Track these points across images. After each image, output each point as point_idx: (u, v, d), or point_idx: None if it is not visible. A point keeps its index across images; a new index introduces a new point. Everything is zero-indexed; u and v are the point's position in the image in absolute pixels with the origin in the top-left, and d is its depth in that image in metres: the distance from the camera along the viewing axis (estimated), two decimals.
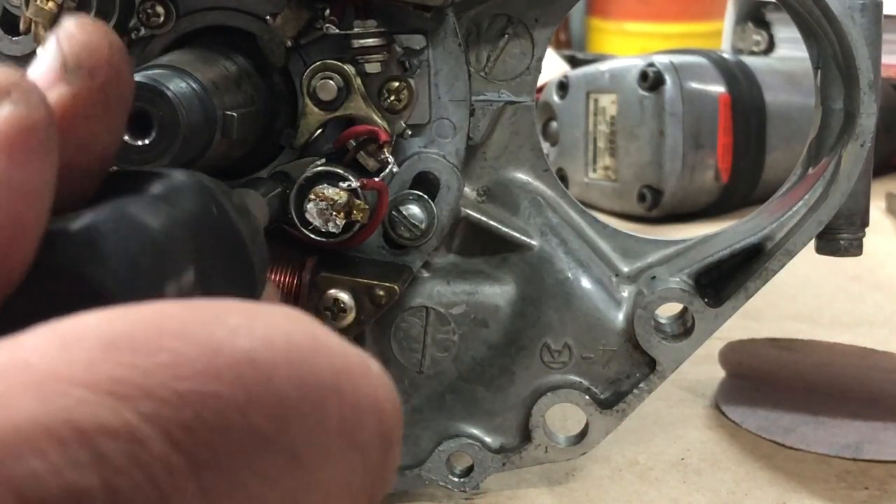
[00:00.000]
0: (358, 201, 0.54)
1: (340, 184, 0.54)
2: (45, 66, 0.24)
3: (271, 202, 0.53)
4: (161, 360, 0.18)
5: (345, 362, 0.21)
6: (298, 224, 0.54)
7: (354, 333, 0.58)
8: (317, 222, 0.54)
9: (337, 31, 0.54)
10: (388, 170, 0.55)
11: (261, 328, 0.20)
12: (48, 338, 0.19)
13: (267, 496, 0.19)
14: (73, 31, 0.24)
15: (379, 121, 0.55)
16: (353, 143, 0.55)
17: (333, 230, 0.54)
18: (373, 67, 0.55)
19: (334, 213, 0.53)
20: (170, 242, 0.25)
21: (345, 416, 0.20)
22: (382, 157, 0.55)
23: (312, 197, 0.54)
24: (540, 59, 0.61)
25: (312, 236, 0.54)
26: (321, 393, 0.20)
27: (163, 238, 0.25)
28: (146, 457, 0.18)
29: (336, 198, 0.53)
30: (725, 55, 1.36)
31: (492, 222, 0.62)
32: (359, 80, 0.55)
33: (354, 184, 0.54)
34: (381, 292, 0.56)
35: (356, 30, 0.54)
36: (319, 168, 0.54)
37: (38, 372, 0.18)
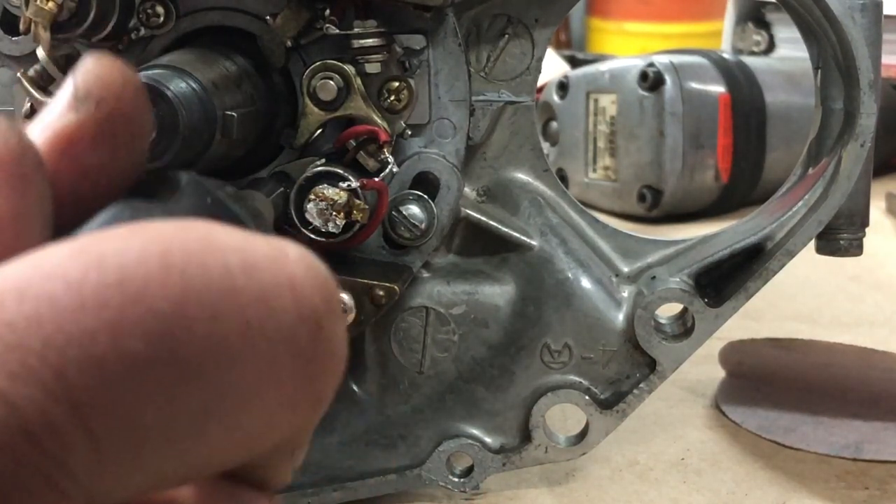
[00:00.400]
0: (358, 201, 0.54)
1: (340, 184, 0.54)
2: (59, 97, 0.25)
3: (275, 203, 0.53)
4: (27, 307, 0.18)
5: (242, 258, 0.19)
6: (298, 224, 0.54)
7: (355, 334, 0.58)
8: (317, 222, 0.54)
9: (337, 31, 0.54)
10: (388, 170, 0.55)
11: (135, 247, 0.19)
12: None
13: (174, 419, 0.18)
14: (88, 64, 0.24)
15: (379, 121, 0.55)
16: (353, 143, 0.55)
17: (333, 230, 0.54)
18: (373, 67, 0.55)
19: (334, 214, 0.53)
20: None
21: (250, 312, 0.19)
22: (382, 157, 0.55)
23: (312, 197, 0.54)
24: (540, 60, 0.61)
25: (312, 236, 0.54)
26: (209, 294, 0.19)
27: None
28: (22, 419, 0.17)
29: (336, 198, 0.53)
30: (725, 55, 1.36)
31: (492, 222, 0.62)
32: (359, 80, 0.55)
33: (354, 184, 0.54)
34: (381, 292, 0.56)
35: (356, 30, 0.54)
36: (319, 168, 0.54)
37: None
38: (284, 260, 0.20)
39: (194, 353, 0.18)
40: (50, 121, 0.25)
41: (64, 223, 0.23)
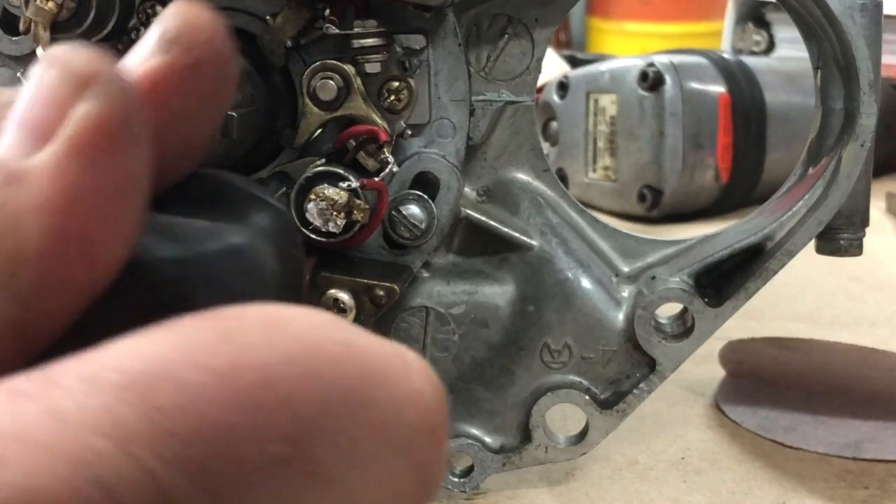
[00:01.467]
0: (358, 201, 0.54)
1: (340, 184, 0.54)
2: (145, 40, 0.23)
3: (279, 202, 0.53)
4: (180, 396, 0.18)
5: (375, 364, 0.20)
6: (299, 224, 0.54)
7: None
8: (317, 222, 0.54)
9: (337, 31, 0.54)
10: (388, 169, 0.55)
11: (282, 342, 0.19)
12: (77, 377, 0.18)
13: None
14: (178, 8, 0.23)
15: (379, 121, 0.55)
16: (352, 142, 0.55)
17: (334, 230, 0.54)
18: (373, 67, 0.55)
19: (334, 213, 0.53)
20: (274, 285, 0.25)
21: (378, 420, 0.19)
22: (382, 156, 0.55)
23: (313, 197, 0.54)
24: (540, 59, 0.61)
25: (312, 236, 0.54)
26: (347, 403, 0.19)
27: (273, 281, 0.25)
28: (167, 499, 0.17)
29: (336, 198, 0.53)
30: (725, 55, 1.36)
31: (492, 222, 0.62)
32: (359, 80, 0.55)
33: (354, 184, 0.54)
34: (381, 292, 0.56)
35: (356, 30, 0.54)
36: (320, 168, 0.54)
37: (62, 422, 0.17)
38: (406, 367, 0.21)
39: (327, 456, 0.19)
40: (135, 62, 0.23)
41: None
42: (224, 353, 0.18)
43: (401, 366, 0.20)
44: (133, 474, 0.17)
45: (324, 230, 0.54)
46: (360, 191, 0.54)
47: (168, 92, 0.23)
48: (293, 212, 0.54)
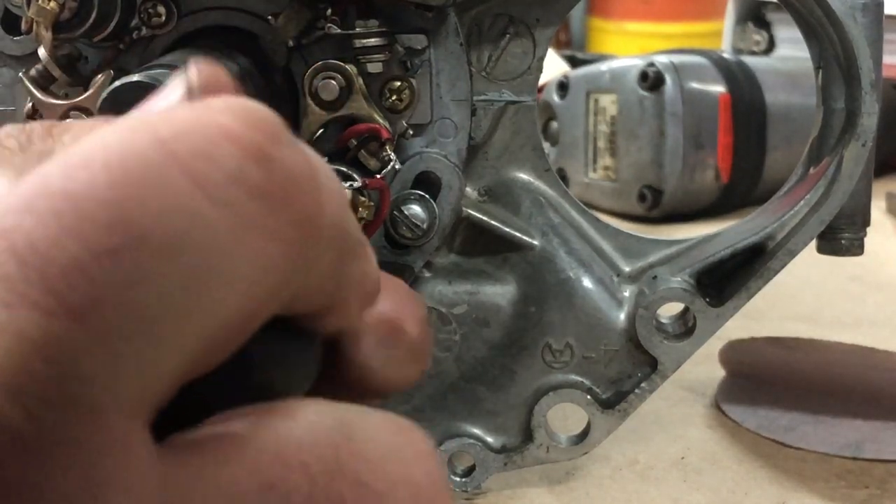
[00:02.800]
0: (363, 198, 0.54)
1: (344, 183, 0.54)
2: (167, 94, 0.25)
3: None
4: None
5: (170, 127, 0.20)
6: None
7: None
8: None
9: (339, 30, 0.54)
10: (390, 167, 0.55)
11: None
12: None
13: (164, 295, 0.19)
14: (200, 66, 0.25)
15: (381, 120, 0.55)
16: (354, 141, 0.55)
17: None
18: (374, 67, 0.55)
19: None
20: None
21: (192, 174, 0.20)
22: (384, 154, 0.55)
23: None
24: (541, 59, 0.61)
25: None
26: (152, 175, 0.20)
27: None
28: (33, 344, 0.18)
29: None
30: (726, 55, 1.36)
31: (493, 222, 0.62)
32: (360, 80, 0.55)
33: (357, 183, 0.54)
34: None
35: (358, 30, 0.54)
36: None
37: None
38: (210, 113, 0.21)
39: (157, 229, 0.19)
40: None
41: None
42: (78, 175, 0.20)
43: (198, 115, 0.21)
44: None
45: None
46: (363, 190, 0.54)
47: None
48: None
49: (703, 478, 0.67)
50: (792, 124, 1.29)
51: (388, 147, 0.55)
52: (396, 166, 0.55)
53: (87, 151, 0.20)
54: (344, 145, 0.56)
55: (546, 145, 1.35)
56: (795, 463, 0.69)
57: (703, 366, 0.78)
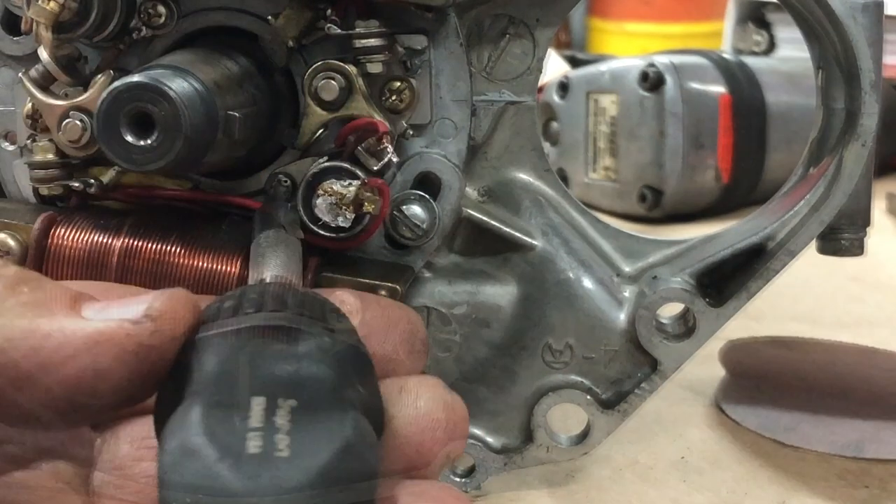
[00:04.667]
0: (368, 193, 0.53)
1: (349, 179, 0.54)
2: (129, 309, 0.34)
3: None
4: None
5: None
6: (307, 221, 0.54)
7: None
8: (326, 217, 0.53)
9: (339, 31, 0.54)
10: (386, 159, 0.54)
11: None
12: None
13: None
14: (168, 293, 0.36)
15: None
16: (352, 138, 0.55)
17: (343, 224, 0.54)
18: (375, 67, 0.55)
19: (343, 207, 0.53)
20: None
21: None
22: (382, 146, 0.55)
23: (321, 192, 0.53)
24: (541, 59, 0.61)
25: (322, 232, 0.54)
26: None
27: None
28: None
29: (344, 192, 0.53)
30: (726, 55, 1.36)
31: (493, 222, 0.62)
32: (361, 80, 0.55)
33: (357, 182, 0.54)
34: (383, 292, 0.56)
35: (358, 30, 0.54)
36: (326, 164, 0.54)
37: None
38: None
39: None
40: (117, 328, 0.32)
41: None
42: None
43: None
44: None
45: (333, 225, 0.54)
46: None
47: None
48: (301, 209, 0.54)
49: (703, 478, 0.67)
50: (792, 124, 1.29)
51: (385, 140, 0.54)
52: (394, 159, 0.55)
53: None
54: (343, 143, 0.56)
55: (546, 145, 1.35)
56: (795, 463, 0.69)
57: (704, 365, 0.78)
